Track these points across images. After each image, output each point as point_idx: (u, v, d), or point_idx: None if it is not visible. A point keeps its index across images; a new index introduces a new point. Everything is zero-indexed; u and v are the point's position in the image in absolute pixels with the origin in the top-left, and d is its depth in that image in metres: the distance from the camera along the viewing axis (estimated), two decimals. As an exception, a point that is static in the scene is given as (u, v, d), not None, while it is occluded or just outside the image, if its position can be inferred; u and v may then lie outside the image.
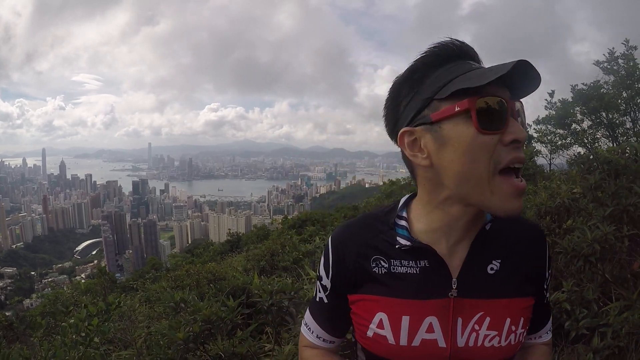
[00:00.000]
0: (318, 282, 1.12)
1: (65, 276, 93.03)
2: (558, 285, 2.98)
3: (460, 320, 0.95)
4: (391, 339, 0.97)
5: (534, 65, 0.81)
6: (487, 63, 0.92)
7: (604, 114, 7.09)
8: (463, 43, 0.91)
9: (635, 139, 6.37)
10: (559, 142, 8.44)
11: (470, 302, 0.95)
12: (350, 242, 1.04)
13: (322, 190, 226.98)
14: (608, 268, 2.90)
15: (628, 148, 3.48)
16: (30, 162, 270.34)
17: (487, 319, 0.95)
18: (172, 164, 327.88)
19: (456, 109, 0.84)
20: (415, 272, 0.96)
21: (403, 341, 0.96)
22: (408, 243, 0.96)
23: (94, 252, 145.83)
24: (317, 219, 14.03)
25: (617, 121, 7.11)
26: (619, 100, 6.75)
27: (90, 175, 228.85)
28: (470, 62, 0.89)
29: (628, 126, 7.10)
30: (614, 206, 2.96)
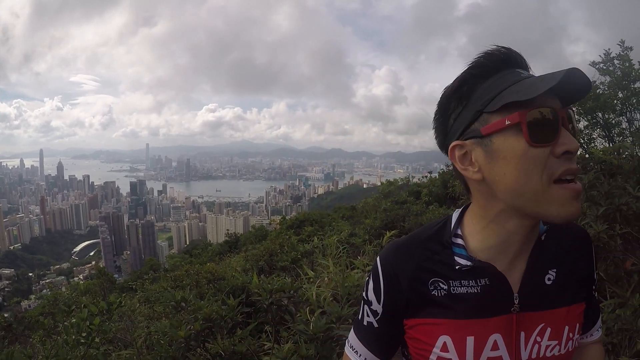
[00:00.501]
0: (366, 307, 1.06)
1: (63, 277, 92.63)
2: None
3: (523, 335, 0.95)
4: None
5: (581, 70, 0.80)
6: None
7: (600, 115, 7.12)
8: (509, 50, 0.90)
9: (631, 139, 6.42)
10: (556, 143, 8.48)
11: (532, 315, 0.95)
12: (404, 265, 0.99)
13: (320, 191, 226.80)
14: (602, 267, 2.95)
15: (621, 149, 3.53)
16: (28, 163, 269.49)
17: (548, 330, 0.95)
18: (170, 164, 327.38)
19: (507, 122, 0.83)
20: (476, 291, 0.94)
21: None
22: (469, 263, 0.94)
23: (91, 253, 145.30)
24: (315, 219, 14.06)
25: (613, 121, 7.13)
26: (615, 101, 6.78)
27: (88, 176, 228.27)
28: (519, 71, 0.88)
29: (624, 126, 7.12)
30: (607, 205, 3.00)
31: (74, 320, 2.90)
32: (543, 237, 0.97)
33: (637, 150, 4.00)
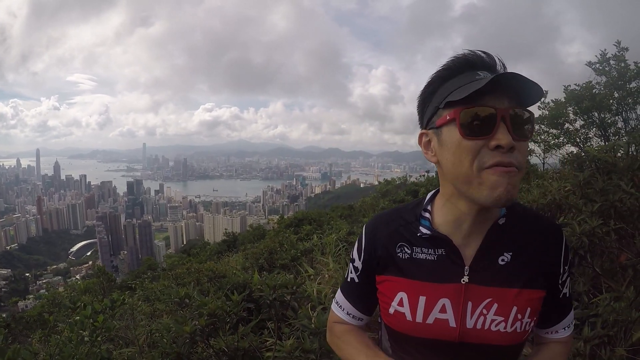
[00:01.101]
0: (351, 264, 1.26)
1: (60, 277, 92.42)
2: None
3: (470, 304, 1.06)
4: (409, 316, 1.10)
5: (526, 72, 0.90)
6: None
7: (596, 114, 7.18)
8: (474, 53, 1.03)
9: (626, 138, 6.49)
10: (552, 142, 8.52)
11: (480, 288, 1.06)
12: (381, 229, 1.19)
13: (317, 190, 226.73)
14: (598, 262, 3.01)
15: (615, 146, 3.59)
16: (25, 162, 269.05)
17: (495, 305, 1.05)
18: (167, 164, 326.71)
19: (447, 118, 0.99)
20: (433, 258, 1.09)
21: (419, 318, 1.09)
22: (428, 232, 1.11)
23: (88, 253, 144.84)
24: (313, 218, 14.07)
25: (609, 121, 7.19)
26: (611, 101, 6.84)
27: (85, 175, 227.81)
28: (479, 73, 0.99)
29: (620, 126, 7.18)
30: (602, 202, 3.07)
31: (78, 317, 2.92)
32: (501, 222, 1.09)
33: (631, 148, 4.06)
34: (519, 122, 0.97)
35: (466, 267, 1.07)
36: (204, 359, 3.05)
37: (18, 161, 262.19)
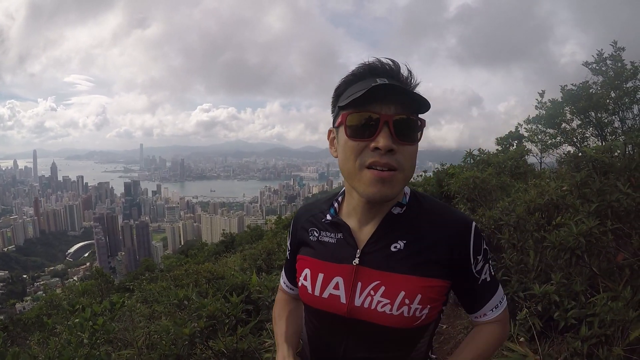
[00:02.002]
0: (287, 245, 1.47)
1: (57, 279, 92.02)
2: (547, 278, 3.10)
3: (359, 285, 1.17)
4: (310, 289, 1.25)
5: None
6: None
7: (592, 114, 7.22)
8: (378, 61, 1.13)
9: (623, 137, 6.51)
10: (549, 141, 8.56)
11: (369, 270, 1.17)
12: (302, 216, 1.39)
13: (315, 191, 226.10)
14: (595, 262, 3.02)
15: (612, 147, 3.61)
16: (22, 164, 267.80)
17: (383, 288, 1.15)
18: (164, 165, 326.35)
19: (338, 120, 1.14)
20: (334, 241, 1.25)
21: (317, 292, 1.23)
22: (329, 219, 1.28)
23: (86, 255, 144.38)
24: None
25: (606, 120, 7.23)
26: (608, 100, 6.88)
27: (82, 176, 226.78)
28: (376, 80, 1.08)
29: (616, 125, 7.23)
30: (599, 202, 3.09)
31: (77, 320, 2.91)
32: (396, 212, 1.20)
33: (628, 149, 4.07)
34: (404, 128, 1.08)
35: (358, 250, 1.19)
36: (203, 361, 3.05)
37: (15, 162, 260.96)
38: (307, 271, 1.27)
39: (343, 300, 1.19)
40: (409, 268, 1.14)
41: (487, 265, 1.23)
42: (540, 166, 9.11)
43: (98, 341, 2.86)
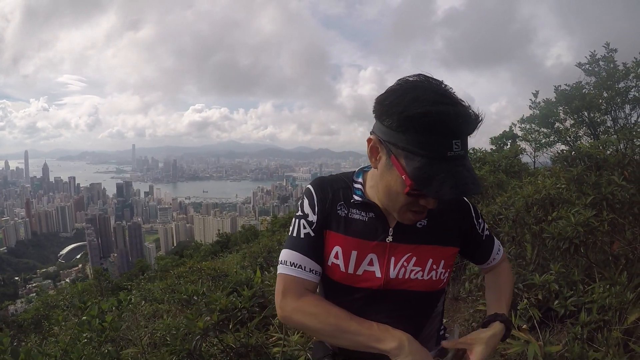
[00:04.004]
0: (302, 220, 1.30)
1: (49, 281, 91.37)
2: (545, 270, 3.22)
3: (393, 259, 1.26)
4: (342, 267, 1.27)
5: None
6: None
7: (585, 113, 7.37)
8: (458, 115, 1.01)
9: (615, 136, 6.67)
10: (543, 140, 8.72)
11: (401, 246, 1.27)
12: (328, 189, 1.32)
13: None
14: (592, 253, 3.16)
15: (607, 143, 3.74)
16: (13, 164, 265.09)
17: (414, 259, 1.27)
18: (157, 165, 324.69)
19: (401, 169, 1.08)
20: (365, 219, 1.28)
21: (350, 269, 1.26)
22: (360, 199, 1.28)
23: (78, 256, 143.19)
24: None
25: (599, 120, 7.38)
26: (600, 100, 7.02)
27: (74, 177, 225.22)
28: (452, 142, 1.03)
29: (609, 124, 7.38)
30: (594, 195, 3.23)
31: (85, 317, 2.95)
32: None
33: (621, 145, 4.21)
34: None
35: (390, 229, 1.27)
36: (213, 356, 3.11)
37: (6, 163, 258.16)
38: (337, 249, 1.26)
39: (378, 274, 1.26)
40: (434, 239, 1.29)
41: (484, 223, 1.45)
42: (534, 165, 9.27)
43: (106, 339, 2.91)
